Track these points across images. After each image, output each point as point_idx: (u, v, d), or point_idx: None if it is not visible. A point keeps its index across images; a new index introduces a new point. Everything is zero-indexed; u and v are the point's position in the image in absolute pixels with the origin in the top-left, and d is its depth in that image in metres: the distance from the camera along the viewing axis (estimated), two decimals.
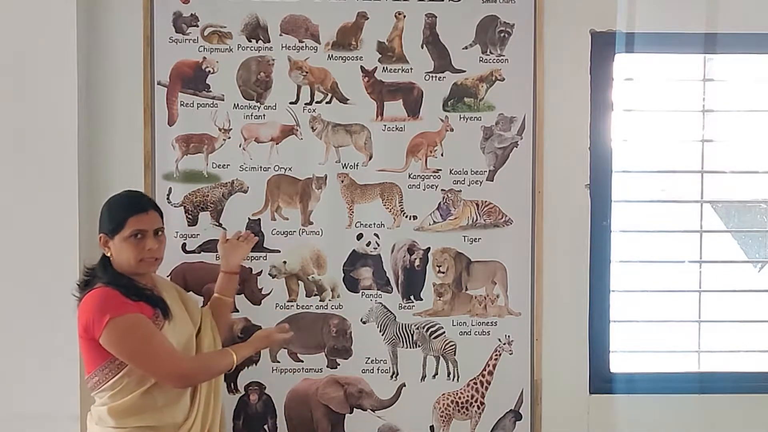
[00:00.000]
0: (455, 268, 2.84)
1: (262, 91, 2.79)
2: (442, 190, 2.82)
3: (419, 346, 2.84)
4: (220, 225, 2.77)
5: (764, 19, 2.89)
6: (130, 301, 2.17)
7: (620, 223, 2.91)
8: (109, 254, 2.24)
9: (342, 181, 2.80)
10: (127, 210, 2.23)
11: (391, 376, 2.84)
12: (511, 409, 2.86)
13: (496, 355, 2.85)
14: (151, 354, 2.16)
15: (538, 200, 2.83)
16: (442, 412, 2.85)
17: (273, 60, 2.78)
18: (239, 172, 2.78)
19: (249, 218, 2.78)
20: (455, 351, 2.84)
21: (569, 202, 2.85)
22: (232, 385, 2.78)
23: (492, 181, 2.83)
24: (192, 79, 2.77)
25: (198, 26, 2.77)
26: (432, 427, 2.85)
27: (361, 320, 2.82)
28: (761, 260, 3.42)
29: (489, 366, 2.84)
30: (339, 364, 2.82)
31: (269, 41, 2.78)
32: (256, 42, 2.78)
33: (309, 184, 2.80)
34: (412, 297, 2.84)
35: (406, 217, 2.82)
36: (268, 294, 2.79)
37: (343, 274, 2.81)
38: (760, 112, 3.02)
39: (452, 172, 2.82)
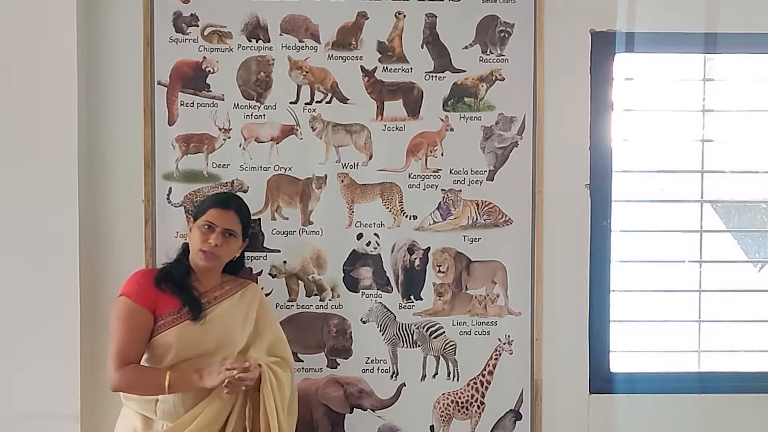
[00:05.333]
0: (455, 268, 2.83)
1: (262, 90, 2.79)
2: (442, 189, 2.82)
3: (419, 346, 2.84)
4: None
5: (764, 19, 2.89)
6: (155, 290, 2.28)
7: (620, 223, 2.91)
8: (186, 237, 2.42)
9: (342, 181, 2.80)
10: (213, 202, 2.40)
11: (391, 376, 2.84)
12: (511, 409, 2.86)
13: (496, 354, 2.85)
14: (113, 347, 2.24)
15: (538, 200, 2.83)
16: (442, 411, 2.85)
17: (273, 60, 2.78)
18: (239, 171, 2.78)
19: None
20: (455, 351, 2.84)
21: (569, 202, 2.85)
22: None
23: (492, 181, 2.83)
24: (192, 78, 2.77)
25: (198, 26, 2.77)
26: (432, 427, 2.85)
27: (361, 320, 2.82)
28: (761, 260, 3.41)
29: (489, 366, 2.84)
30: (339, 364, 2.82)
31: (269, 41, 2.78)
32: (256, 42, 2.78)
33: (309, 183, 2.80)
34: (412, 297, 2.84)
35: (406, 216, 2.82)
36: (269, 294, 2.78)
37: (343, 274, 2.81)
38: (760, 112, 3.02)
39: (452, 171, 2.82)
